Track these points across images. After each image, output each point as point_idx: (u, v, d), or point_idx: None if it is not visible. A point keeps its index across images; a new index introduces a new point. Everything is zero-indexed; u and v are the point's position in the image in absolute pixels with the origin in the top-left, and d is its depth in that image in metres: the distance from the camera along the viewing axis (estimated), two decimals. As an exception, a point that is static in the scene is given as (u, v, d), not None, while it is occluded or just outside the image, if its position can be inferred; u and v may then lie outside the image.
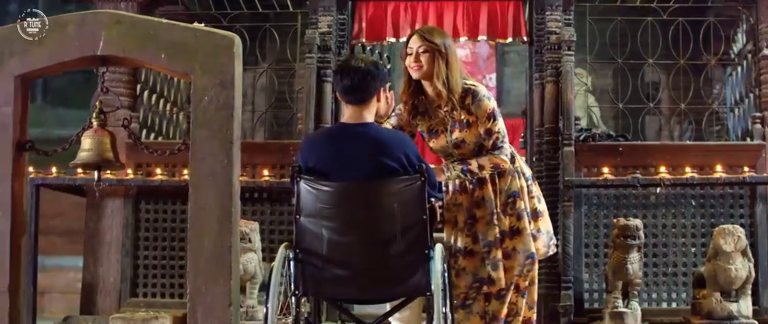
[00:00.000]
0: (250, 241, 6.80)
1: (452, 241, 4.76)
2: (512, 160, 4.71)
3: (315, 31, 7.75)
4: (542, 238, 4.78)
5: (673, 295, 7.51)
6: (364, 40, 8.06)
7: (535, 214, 4.79)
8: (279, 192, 7.62)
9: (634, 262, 6.81)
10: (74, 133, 4.49)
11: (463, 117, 4.63)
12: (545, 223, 4.84)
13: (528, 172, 4.87)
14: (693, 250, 7.53)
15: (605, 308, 6.97)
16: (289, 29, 8.43)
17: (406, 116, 4.76)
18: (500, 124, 4.65)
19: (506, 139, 4.68)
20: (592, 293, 7.51)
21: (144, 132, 8.25)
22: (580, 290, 7.40)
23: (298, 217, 4.13)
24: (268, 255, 7.34)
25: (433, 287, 4.01)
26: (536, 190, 4.88)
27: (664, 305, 7.48)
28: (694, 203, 7.57)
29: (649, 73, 9.24)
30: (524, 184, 4.77)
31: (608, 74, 9.26)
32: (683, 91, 8.50)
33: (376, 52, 9.38)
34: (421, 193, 4.04)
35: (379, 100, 4.31)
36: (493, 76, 13.14)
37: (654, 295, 7.49)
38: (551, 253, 4.92)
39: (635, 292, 6.92)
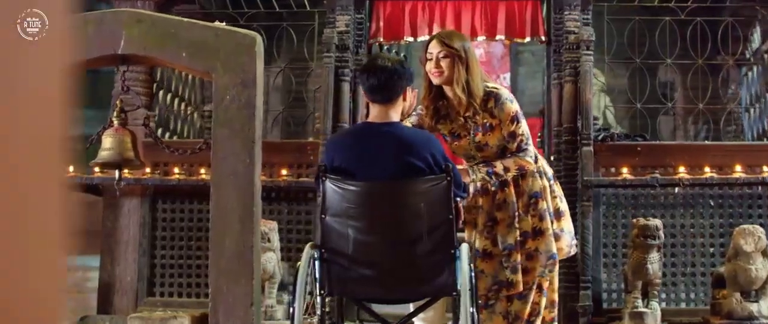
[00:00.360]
0: (269, 240, 6.79)
1: (471, 242, 4.74)
2: (535, 160, 4.69)
3: (333, 31, 7.73)
4: (565, 237, 4.76)
5: (692, 295, 7.48)
6: (381, 40, 8.04)
7: (557, 214, 4.77)
8: (296, 191, 7.61)
9: (654, 262, 6.79)
10: (94, 132, 4.48)
11: (485, 120, 4.60)
12: (567, 223, 4.82)
13: (550, 171, 4.85)
14: (711, 250, 7.50)
15: (625, 308, 6.94)
16: (305, 28, 8.42)
17: (428, 121, 4.73)
18: (524, 127, 4.63)
19: (530, 141, 4.66)
20: (610, 293, 7.48)
21: (159, 131, 8.25)
22: (598, 290, 7.37)
23: (323, 216, 4.11)
24: (286, 254, 7.33)
25: (459, 286, 3.99)
26: (558, 189, 4.86)
27: (683, 305, 7.45)
28: (712, 203, 7.53)
29: (663, 74, 9.21)
30: (546, 184, 4.74)
31: (622, 74, 9.22)
32: (700, 91, 8.47)
33: (393, 51, 9.36)
34: (448, 193, 4.01)
35: (405, 100, 4.29)
36: (508, 75, 13.10)
37: (672, 295, 7.46)
38: (573, 252, 4.89)
39: (655, 292, 6.90)
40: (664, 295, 7.35)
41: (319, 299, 4.16)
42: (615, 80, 9.77)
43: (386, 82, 4.16)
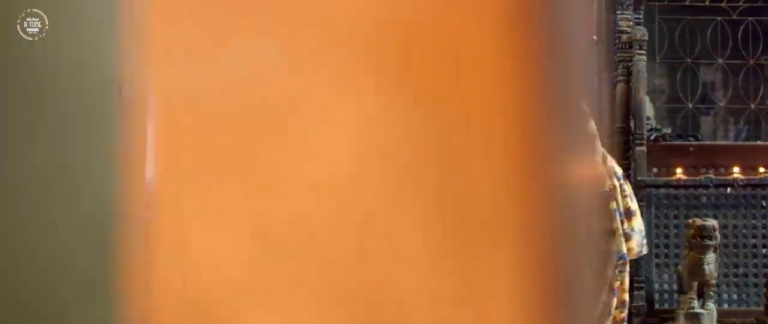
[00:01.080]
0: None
1: None
2: (603, 159, 4.67)
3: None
4: (636, 237, 4.74)
5: (744, 296, 7.42)
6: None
7: (628, 213, 4.75)
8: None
9: (711, 262, 6.74)
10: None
11: (553, 119, 4.58)
12: (638, 222, 4.80)
13: (619, 170, 4.84)
14: (764, 251, 7.45)
15: (679, 309, 6.89)
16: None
17: None
18: (591, 126, 4.60)
19: (598, 141, 4.64)
20: (662, 294, 7.44)
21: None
22: (651, 291, 7.33)
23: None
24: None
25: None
26: (628, 188, 4.85)
27: (735, 306, 7.40)
28: (764, 204, 7.47)
29: (704, 74, 9.15)
30: (616, 184, 4.72)
31: (663, 73, 9.16)
32: (751, 91, 8.40)
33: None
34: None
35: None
36: (548, 75, 13.05)
37: (725, 296, 7.41)
38: (644, 252, 4.88)
39: (711, 293, 6.85)
40: (716, 296, 7.30)
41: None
42: (656, 80, 9.73)
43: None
